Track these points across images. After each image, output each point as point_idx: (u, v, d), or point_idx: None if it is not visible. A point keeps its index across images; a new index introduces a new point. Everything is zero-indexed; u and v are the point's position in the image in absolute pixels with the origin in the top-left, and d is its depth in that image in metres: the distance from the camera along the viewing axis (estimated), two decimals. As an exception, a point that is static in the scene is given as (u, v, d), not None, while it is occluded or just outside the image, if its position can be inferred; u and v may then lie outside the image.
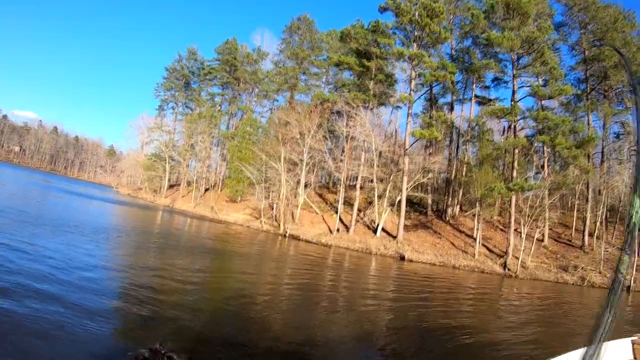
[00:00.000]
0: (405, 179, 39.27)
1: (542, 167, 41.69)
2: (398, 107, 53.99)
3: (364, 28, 44.76)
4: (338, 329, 12.45)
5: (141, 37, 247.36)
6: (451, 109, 49.62)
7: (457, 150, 49.32)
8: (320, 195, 52.28)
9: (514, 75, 38.39)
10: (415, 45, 40.86)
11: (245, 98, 72.73)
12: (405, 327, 13.65)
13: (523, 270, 32.61)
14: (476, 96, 48.38)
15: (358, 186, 42.91)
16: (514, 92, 38.29)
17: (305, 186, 47.03)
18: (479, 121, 43.55)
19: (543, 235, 37.66)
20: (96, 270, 15.08)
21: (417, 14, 39.16)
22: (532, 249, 34.16)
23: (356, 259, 32.19)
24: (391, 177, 41.30)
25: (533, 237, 34.63)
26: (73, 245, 18.47)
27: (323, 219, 44.83)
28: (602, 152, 41.92)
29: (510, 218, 35.72)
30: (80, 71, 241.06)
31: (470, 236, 38.82)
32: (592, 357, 4.08)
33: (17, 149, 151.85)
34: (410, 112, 42.12)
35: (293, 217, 44.74)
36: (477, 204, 37.29)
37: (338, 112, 47.62)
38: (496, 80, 47.48)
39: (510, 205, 36.33)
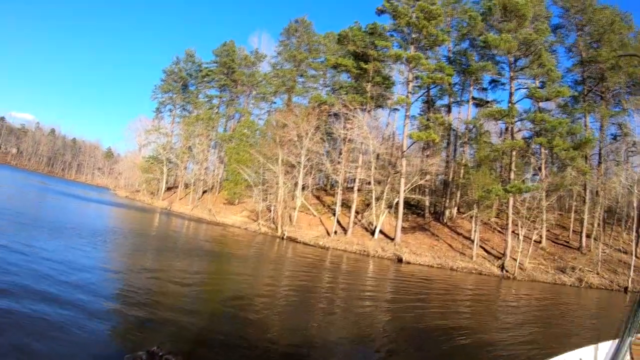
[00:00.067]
0: (403, 181, 39.25)
1: (540, 168, 41.70)
2: (395, 109, 54.15)
3: (361, 30, 44.77)
4: (336, 330, 12.45)
5: (139, 39, 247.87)
6: (448, 111, 49.67)
7: (454, 152, 49.37)
8: (318, 198, 52.26)
9: (511, 77, 38.44)
10: (412, 47, 40.91)
11: (242, 100, 72.69)
12: (402, 328, 13.65)
13: (521, 272, 32.63)
14: (473, 98, 48.45)
15: (356, 188, 42.86)
16: (511, 94, 38.37)
17: (303, 188, 47.01)
18: (477, 123, 43.59)
19: (540, 236, 37.68)
20: (94, 272, 15.07)
21: (414, 16, 39.24)
22: (530, 250, 34.19)
23: (354, 261, 32.17)
24: (389, 179, 41.30)
25: (530, 239, 34.65)
26: (71, 248, 18.46)
27: (321, 221, 44.80)
28: (600, 154, 42.02)
29: (507, 220, 35.73)
30: (78, 73, 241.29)
31: (468, 238, 38.84)
32: (621, 350, 4.16)
33: (14, 150, 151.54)
34: (407, 114, 42.18)
35: (291, 220, 44.70)
36: (475, 205, 37.31)
37: (335, 115, 47.57)
38: (493, 82, 47.53)
39: (507, 207, 36.31)
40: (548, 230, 39.09)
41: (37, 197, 47.60)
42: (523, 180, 38.69)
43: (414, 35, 40.59)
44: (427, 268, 32.99)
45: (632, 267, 31.48)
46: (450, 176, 46.41)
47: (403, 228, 39.77)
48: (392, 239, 38.63)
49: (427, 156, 43.89)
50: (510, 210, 35.41)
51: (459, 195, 44.86)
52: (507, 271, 32.80)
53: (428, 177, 42.33)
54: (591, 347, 7.75)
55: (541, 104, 40.30)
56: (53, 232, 21.95)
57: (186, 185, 72.04)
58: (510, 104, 37.80)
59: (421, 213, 46.21)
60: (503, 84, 45.29)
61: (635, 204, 35.41)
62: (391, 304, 18.34)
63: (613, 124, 42.36)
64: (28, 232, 20.42)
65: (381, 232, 40.12)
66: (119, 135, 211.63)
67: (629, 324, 4.48)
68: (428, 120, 42.38)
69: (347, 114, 42.34)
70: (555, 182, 37.01)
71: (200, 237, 36.32)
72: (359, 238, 39.69)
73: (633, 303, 4.75)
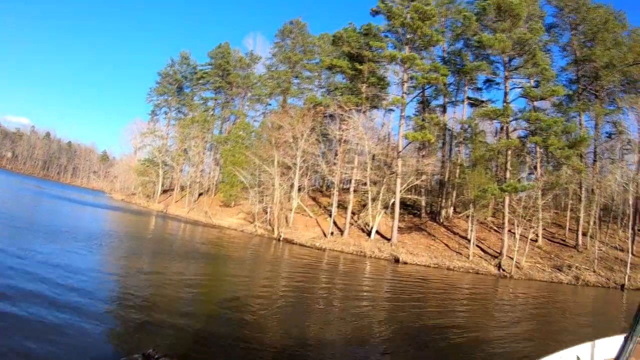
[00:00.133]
0: (399, 181, 39.24)
1: (535, 167, 41.84)
2: (391, 109, 54.15)
3: (356, 31, 44.77)
4: (333, 330, 12.41)
5: (134, 42, 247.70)
6: (444, 111, 49.73)
7: (450, 152, 49.40)
8: (314, 199, 52.21)
9: (505, 77, 38.50)
10: (407, 48, 40.93)
11: (238, 102, 72.55)
12: (400, 327, 13.60)
13: (517, 271, 32.65)
14: (468, 98, 48.49)
15: (352, 189, 42.81)
16: (506, 94, 38.40)
17: (299, 190, 46.97)
18: (472, 123, 43.62)
19: (537, 235, 37.73)
20: (90, 275, 15.02)
21: (408, 17, 39.26)
22: (526, 249, 34.22)
23: (350, 262, 32.11)
24: (385, 180, 41.27)
25: (527, 238, 34.70)
26: (66, 251, 18.40)
27: (317, 222, 44.74)
28: (595, 152, 42.14)
29: (504, 219, 35.78)
30: (73, 76, 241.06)
31: (465, 237, 38.85)
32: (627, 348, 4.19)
33: (9, 154, 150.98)
34: (402, 114, 42.12)
35: (287, 221, 44.63)
36: (471, 205, 37.33)
37: (331, 116, 47.55)
38: (488, 82, 47.64)
39: (503, 206, 36.38)
40: (544, 229, 39.14)
41: (33, 201, 47.46)
42: (519, 179, 38.79)
43: (408, 36, 40.62)
44: (424, 268, 32.97)
45: (628, 265, 31.57)
46: (446, 176, 46.44)
47: (399, 228, 39.76)
48: (389, 240, 38.60)
49: (423, 156, 43.86)
50: (507, 209, 35.45)
51: (455, 195, 44.92)
52: (503, 270, 32.82)
53: (424, 177, 42.32)
54: (588, 345, 7.73)
55: (536, 103, 40.39)
56: (48, 235, 21.89)
57: (182, 188, 71.88)
58: (505, 104, 37.85)
59: (417, 213, 46.21)
60: (498, 83, 45.44)
61: (630, 202, 35.54)
62: (388, 304, 18.32)
63: (608, 122, 42.52)
64: (23, 236, 20.39)
65: (377, 232, 40.10)
66: (115, 138, 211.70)
67: (637, 324, 4.47)
68: (423, 120, 42.39)
69: (342, 115, 42.33)
70: (550, 180, 37.08)
71: (197, 239, 36.23)
72: (356, 239, 39.66)
73: None
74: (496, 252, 35.74)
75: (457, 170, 44.67)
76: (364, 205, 43.71)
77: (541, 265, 34.09)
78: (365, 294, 20.54)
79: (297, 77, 65.14)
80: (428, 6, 39.05)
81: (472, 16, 39.51)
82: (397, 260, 34.43)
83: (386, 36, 43.22)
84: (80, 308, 10.67)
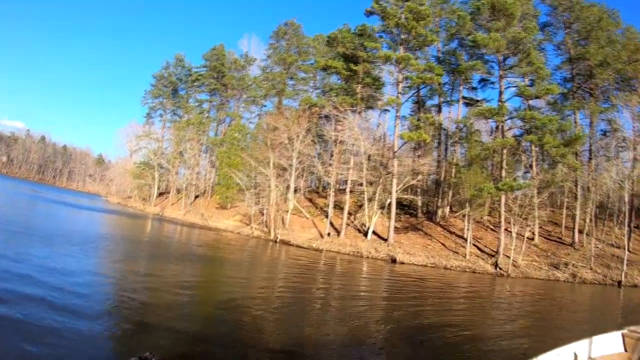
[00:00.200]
0: (395, 181, 39.24)
1: (531, 166, 41.86)
2: (386, 110, 54.15)
3: (350, 32, 44.85)
4: (330, 330, 12.38)
5: (128, 44, 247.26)
6: (439, 110, 49.77)
7: (445, 152, 49.44)
8: (310, 200, 52.19)
9: (500, 76, 38.53)
10: (401, 48, 40.92)
11: (233, 104, 72.55)
12: (397, 326, 13.58)
13: (514, 269, 32.66)
14: (463, 97, 48.55)
15: (348, 190, 42.80)
16: (500, 93, 38.42)
17: (295, 191, 46.93)
18: (467, 122, 43.74)
19: (533, 233, 37.80)
20: (86, 278, 15.02)
21: (403, 17, 39.25)
22: (523, 247, 34.26)
23: (347, 263, 32.08)
24: (381, 180, 41.27)
25: (523, 236, 34.76)
26: (62, 255, 18.39)
27: (313, 223, 44.70)
28: (590, 150, 42.22)
29: (500, 218, 35.81)
30: (68, 80, 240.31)
31: (461, 237, 38.88)
32: None
33: (4, 158, 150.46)
34: (398, 114, 42.15)
35: (283, 223, 44.55)
36: (467, 204, 37.37)
37: (326, 117, 47.54)
38: (483, 81, 47.60)
39: (499, 205, 36.41)
40: (540, 227, 39.23)
41: (28, 205, 47.31)
42: (514, 178, 38.80)
43: (403, 36, 40.62)
44: (421, 268, 32.95)
45: (624, 261, 31.65)
46: (442, 176, 46.47)
47: (396, 228, 39.74)
48: (385, 240, 38.58)
49: (419, 156, 43.90)
50: (503, 208, 35.48)
51: (451, 194, 44.94)
52: (500, 269, 32.84)
53: (420, 177, 42.37)
54: (585, 341, 7.75)
55: (531, 102, 40.48)
56: (44, 239, 21.83)
57: (178, 191, 71.73)
58: (500, 103, 37.89)
59: (414, 213, 46.22)
60: (492, 82, 45.39)
61: (626, 199, 35.63)
62: (385, 304, 18.30)
63: (603, 120, 42.64)
64: (19, 240, 20.35)
65: (374, 233, 40.08)
66: (110, 141, 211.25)
67: None
68: (419, 120, 42.43)
69: (337, 115, 42.33)
70: (546, 179, 37.16)
71: (193, 242, 36.16)
72: (352, 239, 39.62)
73: None
74: (493, 250, 35.77)
75: (453, 170, 44.75)
76: (360, 206, 43.72)
77: (538, 263, 34.13)
78: (362, 294, 20.51)
79: (292, 78, 65.08)
80: (422, 6, 39.11)
81: (467, 16, 39.56)
82: (394, 260, 34.41)
83: (381, 37, 43.29)
84: (76, 311, 10.69)
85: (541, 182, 36.76)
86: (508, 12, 35.94)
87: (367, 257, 35.74)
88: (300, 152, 44.40)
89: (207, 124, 72.55)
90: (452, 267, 33.63)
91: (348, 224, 41.91)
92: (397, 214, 40.41)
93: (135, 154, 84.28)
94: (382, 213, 40.92)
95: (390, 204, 39.34)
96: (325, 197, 48.40)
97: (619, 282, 30.80)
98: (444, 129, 49.17)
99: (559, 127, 37.43)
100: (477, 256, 35.44)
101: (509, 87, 38.79)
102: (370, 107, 49.22)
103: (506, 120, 38.40)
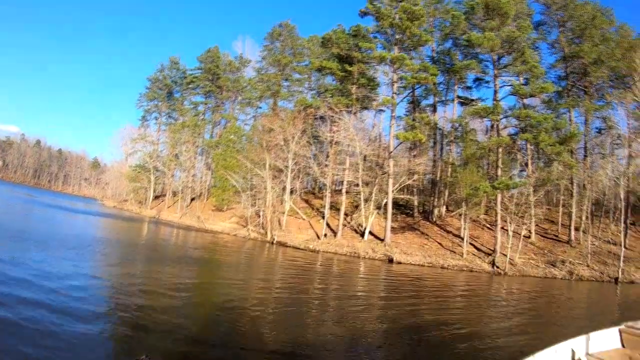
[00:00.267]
0: (391, 181, 39.25)
1: (526, 164, 42.01)
2: (381, 110, 54.27)
3: (345, 33, 44.84)
4: (328, 330, 12.33)
5: (123, 47, 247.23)
6: (434, 110, 49.81)
7: (441, 151, 49.52)
8: (307, 201, 52.15)
9: (495, 75, 38.66)
10: (396, 48, 40.98)
11: (228, 106, 72.44)
12: (395, 326, 13.57)
13: (511, 267, 32.69)
14: (458, 97, 48.68)
15: (344, 191, 42.78)
16: (495, 92, 38.57)
17: (291, 192, 46.90)
18: (462, 121, 43.81)
19: (530, 231, 37.82)
20: (82, 281, 14.97)
21: (397, 17, 39.33)
22: (520, 245, 34.31)
23: (344, 263, 32.01)
24: (377, 181, 41.30)
25: (520, 234, 34.82)
26: (58, 258, 18.34)
27: (310, 224, 44.65)
28: (585, 147, 42.36)
29: (496, 216, 35.88)
30: (62, 83, 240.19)
31: (458, 236, 38.91)
32: None
33: (0, 163, 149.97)
34: (393, 115, 42.24)
35: (280, 224, 44.51)
36: (463, 203, 37.37)
37: (321, 118, 47.56)
38: (478, 80, 47.75)
39: (496, 204, 36.48)
40: (537, 225, 39.26)
41: (24, 210, 47.13)
42: (510, 177, 38.92)
43: (397, 36, 40.68)
44: (418, 267, 32.93)
45: (621, 258, 31.75)
46: (438, 175, 46.57)
47: (392, 228, 39.76)
48: (382, 240, 38.57)
49: (414, 156, 43.89)
50: (499, 207, 35.52)
51: (447, 193, 44.99)
52: (497, 267, 32.86)
53: (416, 176, 42.33)
54: (582, 338, 7.73)
55: (526, 101, 40.50)
56: (40, 244, 21.73)
57: (174, 193, 71.63)
58: (495, 102, 38.02)
59: (410, 213, 46.28)
60: (487, 81, 45.56)
61: (622, 196, 35.70)
62: (383, 303, 18.26)
63: (597, 117, 42.71)
64: (15, 244, 20.27)
65: (371, 233, 40.07)
66: (106, 145, 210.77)
67: None
68: (414, 120, 42.51)
69: (333, 116, 42.32)
70: (542, 177, 37.27)
71: (190, 244, 36.05)
72: (349, 240, 39.60)
73: None
74: (489, 249, 35.81)
75: (449, 169, 44.81)
76: (357, 206, 43.70)
77: (535, 261, 34.17)
78: (359, 294, 20.46)
79: (287, 79, 65.05)
80: (416, 6, 39.15)
81: (461, 15, 39.71)
82: (391, 260, 34.38)
83: (375, 37, 43.37)
84: (73, 314, 10.72)
85: (537, 180, 36.85)
86: (502, 11, 36.05)
87: (364, 257, 35.71)
88: (296, 154, 44.37)
89: (202, 126, 72.42)
90: (449, 266, 33.62)
91: (345, 225, 41.91)
92: (393, 214, 40.45)
93: (130, 157, 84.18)
94: (378, 213, 40.96)
95: (386, 204, 39.37)
96: (322, 198, 48.35)
97: (616, 279, 30.87)
98: (440, 129, 49.30)
99: (554, 125, 37.51)
100: (474, 255, 35.46)
101: (504, 85, 38.96)
102: (366, 108, 49.21)
103: (501, 119, 38.49)
